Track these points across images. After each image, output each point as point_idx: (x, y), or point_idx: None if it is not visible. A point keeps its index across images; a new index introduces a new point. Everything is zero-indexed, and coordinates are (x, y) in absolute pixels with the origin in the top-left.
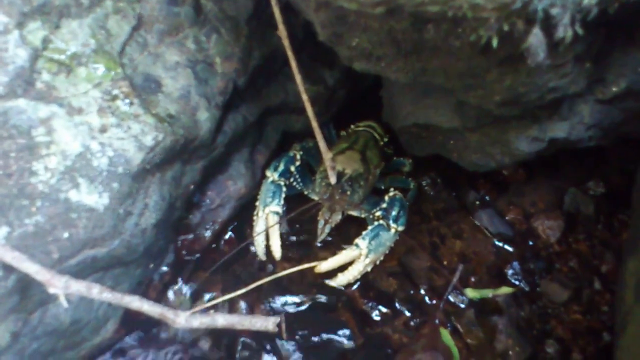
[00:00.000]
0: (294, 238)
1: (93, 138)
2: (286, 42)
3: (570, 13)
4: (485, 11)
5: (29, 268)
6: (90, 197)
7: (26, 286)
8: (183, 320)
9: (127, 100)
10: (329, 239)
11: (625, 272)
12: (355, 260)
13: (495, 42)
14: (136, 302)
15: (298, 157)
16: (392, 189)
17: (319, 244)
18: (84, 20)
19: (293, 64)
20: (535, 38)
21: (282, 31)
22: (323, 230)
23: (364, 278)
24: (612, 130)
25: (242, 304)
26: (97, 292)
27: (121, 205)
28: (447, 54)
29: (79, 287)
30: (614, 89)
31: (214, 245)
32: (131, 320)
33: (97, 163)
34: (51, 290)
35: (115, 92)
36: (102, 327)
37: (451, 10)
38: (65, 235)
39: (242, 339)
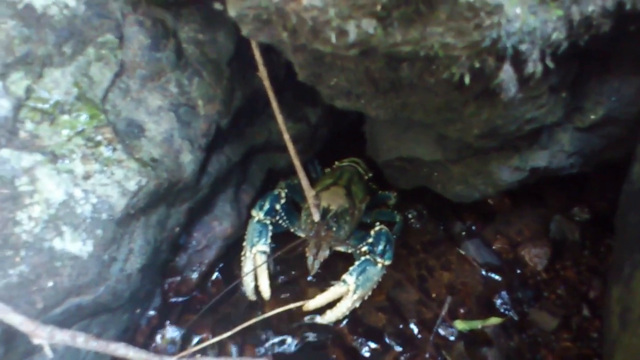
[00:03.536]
0: (282, 276)
1: (76, 185)
2: (267, 83)
3: (539, 48)
4: (456, 49)
5: (13, 319)
6: (74, 244)
7: (11, 337)
8: None
9: (111, 146)
10: (317, 276)
11: (610, 300)
12: (343, 297)
13: (467, 79)
14: (122, 349)
15: (283, 195)
16: (378, 223)
17: (310, 278)
18: (67, 69)
19: (274, 104)
20: (506, 74)
21: (262, 72)
22: (313, 266)
23: (353, 314)
24: (594, 157)
25: (232, 346)
26: (82, 341)
27: (105, 251)
28: (424, 90)
29: (63, 336)
30: (592, 116)
31: (201, 287)
32: None
33: (80, 210)
34: (36, 341)
35: (99, 138)
36: None
37: (423, 49)
38: (50, 284)
39: None
